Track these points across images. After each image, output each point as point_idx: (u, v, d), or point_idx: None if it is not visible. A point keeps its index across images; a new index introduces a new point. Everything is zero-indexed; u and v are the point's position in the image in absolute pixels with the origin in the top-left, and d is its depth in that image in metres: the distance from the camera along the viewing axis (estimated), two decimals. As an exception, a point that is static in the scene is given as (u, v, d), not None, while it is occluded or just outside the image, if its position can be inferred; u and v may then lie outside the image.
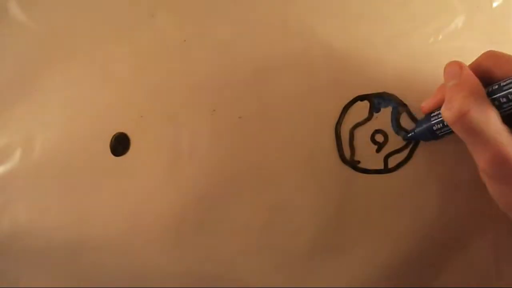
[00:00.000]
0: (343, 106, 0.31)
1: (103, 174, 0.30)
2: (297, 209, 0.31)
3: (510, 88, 0.22)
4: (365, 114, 0.31)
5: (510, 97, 0.22)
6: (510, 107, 0.23)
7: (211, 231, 0.31)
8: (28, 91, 0.29)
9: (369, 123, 0.31)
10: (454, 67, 0.24)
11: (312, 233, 0.31)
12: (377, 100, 0.31)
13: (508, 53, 0.24)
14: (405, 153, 0.31)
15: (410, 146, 0.31)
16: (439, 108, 0.27)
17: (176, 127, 0.30)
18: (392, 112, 0.31)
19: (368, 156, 0.31)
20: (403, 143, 0.31)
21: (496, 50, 0.25)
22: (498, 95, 0.23)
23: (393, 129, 0.31)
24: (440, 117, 0.27)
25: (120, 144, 0.30)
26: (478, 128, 0.22)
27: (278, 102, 0.31)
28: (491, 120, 0.22)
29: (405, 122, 0.31)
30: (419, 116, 0.31)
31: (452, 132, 0.26)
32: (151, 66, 0.30)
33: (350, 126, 0.31)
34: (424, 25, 0.32)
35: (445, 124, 0.26)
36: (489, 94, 0.23)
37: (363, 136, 0.31)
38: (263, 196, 0.31)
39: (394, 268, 0.32)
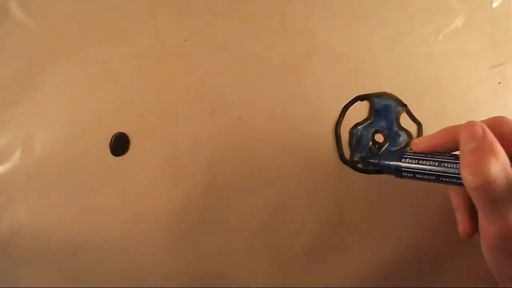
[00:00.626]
0: (342, 106, 0.31)
1: (102, 174, 0.30)
2: (296, 209, 0.31)
3: None
4: (365, 114, 0.31)
5: None
6: None
7: (211, 230, 0.31)
8: (28, 91, 0.29)
9: (369, 123, 0.31)
10: (476, 128, 0.22)
11: (311, 233, 0.31)
12: (377, 100, 0.31)
13: None
14: (405, 153, 0.31)
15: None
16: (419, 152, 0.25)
17: (176, 127, 0.30)
18: (392, 112, 0.31)
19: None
20: (403, 143, 0.31)
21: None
22: None
23: (393, 129, 0.31)
24: (413, 161, 0.25)
25: (119, 144, 0.30)
26: (501, 199, 0.21)
27: (278, 102, 0.31)
28: (507, 194, 0.21)
29: (405, 122, 0.31)
30: (419, 116, 0.31)
31: (416, 178, 0.25)
32: (151, 66, 0.30)
33: (350, 126, 0.31)
34: (424, 25, 0.32)
35: (415, 170, 0.25)
36: None
37: (362, 136, 0.31)
38: (262, 196, 0.31)
39: (393, 268, 0.32)
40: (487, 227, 0.22)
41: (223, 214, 0.31)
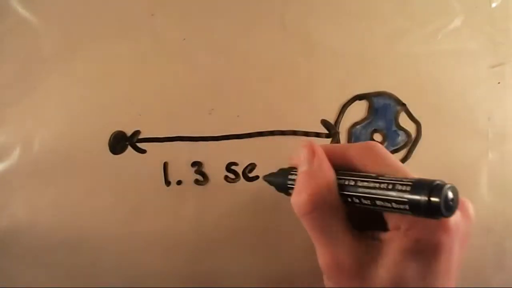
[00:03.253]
0: (341, 105, 0.31)
1: (101, 172, 0.30)
2: (295, 208, 0.31)
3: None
4: (364, 114, 0.31)
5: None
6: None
7: (209, 229, 0.31)
8: (27, 89, 0.30)
9: (367, 123, 0.31)
10: (307, 150, 0.21)
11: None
12: (376, 100, 0.31)
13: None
14: (403, 152, 0.31)
15: (409, 145, 0.31)
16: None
17: (174, 125, 0.30)
18: (390, 111, 0.31)
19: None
20: (401, 142, 0.31)
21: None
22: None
23: (392, 128, 0.31)
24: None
25: (118, 143, 0.30)
26: (321, 229, 0.20)
27: (276, 101, 0.31)
28: (335, 221, 0.20)
29: (404, 121, 0.31)
30: (418, 115, 0.31)
31: None
32: (151, 65, 0.30)
33: (349, 125, 0.31)
34: (423, 25, 0.32)
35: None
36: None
37: (361, 135, 0.31)
38: (261, 195, 0.31)
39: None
40: (319, 255, 0.20)
41: (222, 213, 0.31)
